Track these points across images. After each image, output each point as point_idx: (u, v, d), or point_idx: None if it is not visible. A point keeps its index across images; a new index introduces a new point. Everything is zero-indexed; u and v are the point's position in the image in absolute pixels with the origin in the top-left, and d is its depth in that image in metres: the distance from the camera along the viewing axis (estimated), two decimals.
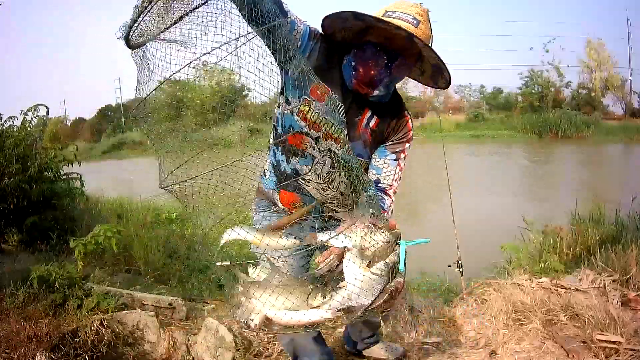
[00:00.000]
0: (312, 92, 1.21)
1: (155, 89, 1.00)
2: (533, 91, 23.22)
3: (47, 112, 3.82)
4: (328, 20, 1.24)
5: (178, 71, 0.96)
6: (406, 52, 1.22)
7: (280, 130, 1.34)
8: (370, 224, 1.04)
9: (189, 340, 2.00)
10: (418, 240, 1.11)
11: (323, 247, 1.11)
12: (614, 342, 1.70)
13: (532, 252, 3.11)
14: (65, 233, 3.47)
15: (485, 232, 4.80)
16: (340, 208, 1.29)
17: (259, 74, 0.95)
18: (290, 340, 1.61)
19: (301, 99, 1.25)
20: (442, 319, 2.24)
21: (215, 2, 0.96)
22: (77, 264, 2.28)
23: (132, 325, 2.00)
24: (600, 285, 2.21)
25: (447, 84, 1.29)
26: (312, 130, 1.26)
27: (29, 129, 3.68)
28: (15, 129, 3.65)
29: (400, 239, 1.07)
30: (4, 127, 3.64)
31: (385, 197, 1.34)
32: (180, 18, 0.98)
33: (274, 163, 1.38)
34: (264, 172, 1.44)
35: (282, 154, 1.34)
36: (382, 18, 1.18)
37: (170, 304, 2.43)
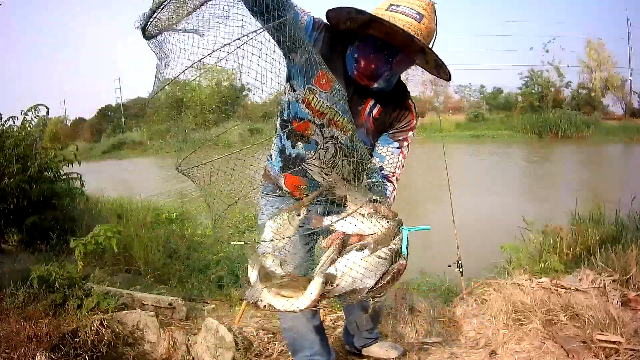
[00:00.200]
0: (317, 81, 1.25)
1: (172, 81, 1.04)
2: (533, 91, 23.20)
3: (47, 112, 3.83)
4: (332, 12, 1.27)
5: (189, 67, 0.99)
6: (407, 48, 1.23)
7: (286, 116, 1.37)
8: (373, 211, 1.08)
9: (189, 340, 2.00)
10: (420, 227, 1.15)
11: (328, 231, 1.14)
12: (614, 342, 1.70)
13: (532, 252, 3.11)
14: (65, 233, 3.47)
15: (485, 232, 4.80)
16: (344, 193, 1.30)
17: (269, 68, 0.98)
18: (291, 327, 1.64)
19: (306, 88, 1.28)
20: (442, 319, 2.24)
21: None
22: (77, 264, 2.28)
23: (132, 325, 2.00)
24: (600, 285, 2.21)
25: (449, 77, 1.31)
26: (316, 118, 1.30)
27: (29, 129, 3.69)
28: (15, 129, 3.65)
29: (402, 224, 1.13)
30: (4, 127, 3.64)
31: (388, 184, 1.37)
32: (194, 10, 1.00)
33: (280, 147, 1.42)
34: (271, 155, 1.48)
35: (287, 139, 1.38)
36: (380, 17, 1.18)
37: (170, 304, 2.43)
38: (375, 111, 1.36)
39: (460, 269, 2.69)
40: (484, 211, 6.36)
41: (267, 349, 2.02)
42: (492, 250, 3.61)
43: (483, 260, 3.59)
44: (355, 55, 1.28)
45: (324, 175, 1.32)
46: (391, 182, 1.39)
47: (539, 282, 2.34)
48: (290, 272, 1.13)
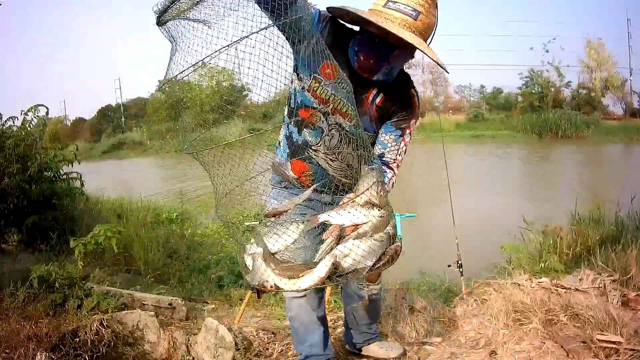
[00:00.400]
0: (322, 70, 1.30)
1: (182, 72, 1.07)
2: (533, 91, 23.19)
3: (47, 112, 3.83)
4: (331, 9, 1.34)
5: (192, 66, 1.04)
6: (403, 44, 1.24)
7: (292, 105, 1.42)
8: (366, 202, 1.15)
9: (189, 340, 2.00)
10: (407, 215, 1.23)
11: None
12: (614, 342, 1.70)
13: (532, 252, 3.11)
14: (65, 233, 3.48)
15: (485, 232, 4.81)
16: (348, 180, 1.38)
17: (276, 62, 1.04)
18: (295, 315, 1.69)
19: (311, 77, 1.33)
20: (442, 319, 2.24)
21: None
22: (77, 264, 2.28)
23: (132, 325, 2.00)
24: (600, 285, 2.21)
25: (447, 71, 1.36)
26: (321, 105, 1.34)
27: (29, 129, 3.69)
28: (15, 129, 3.66)
29: (393, 212, 1.19)
30: (4, 127, 3.64)
31: (388, 171, 1.41)
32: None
33: (287, 134, 1.47)
34: (279, 143, 1.53)
35: (294, 126, 1.43)
36: (371, 19, 1.21)
37: (170, 304, 2.43)
38: (378, 99, 1.40)
39: (460, 269, 2.69)
40: (484, 211, 6.37)
41: (267, 349, 2.02)
42: (492, 250, 3.61)
43: (483, 260, 3.60)
44: (355, 49, 1.33)
45: (329, 161, 1.40)
46: (391, 168, 1.43)
47: (539, 282, 2.34)
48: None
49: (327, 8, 1.34)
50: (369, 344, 1.95)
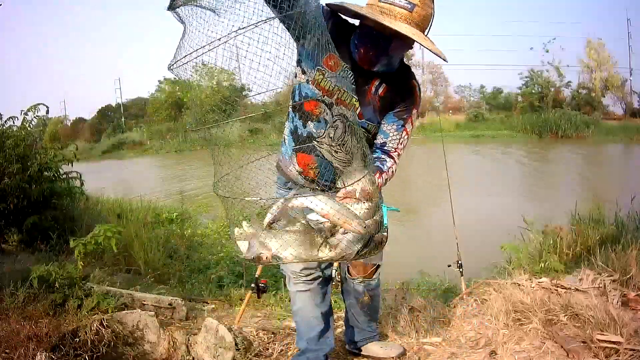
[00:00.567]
0: (326, 62, 1.35)
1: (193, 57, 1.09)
2: (533, 91, 23.17)
3: (47, 111, 3.83)
4: (331, 5, 1.37)
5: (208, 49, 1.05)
6: (400, 36, 1.28)
7: (297, 98, 1.46)
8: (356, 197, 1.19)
9: (189, 340, 2.00)
10: (391, 207, 1.26)
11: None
12: (614, 342, 1.70)
13: (532, 252, 3.12)
14: (65, 233, 3.47)
15: (485, 232, 4.81)
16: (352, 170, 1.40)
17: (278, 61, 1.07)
18: (299, 309, 1.72)
19: (315, 69, 1.37)
20: (442, 319, 2.24)
21: None
22: (77, 264, 2.27)
23: (132, 325, 2.00)
24: (600, 285, 2.21)
25: (445, 58, 1.38)
26: (325, 97, 1.38)
27: (29, 129, 3.69)
28: (15, 129, 3.66)
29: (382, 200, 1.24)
30: (4, 127, 3.64)
31: (388, 159, 1.46)
32: None
33: (292, 128, 1.50)
34: (284, 140, 1.58)
35: (299, 119, 1.46)
36: (367, 14, 1.25)
37: (170, 304, 2.43)
38: (381, 90, 1.44)
39: (460, 269, 2.69)
40: (484, 211, 6.37)
41: (267, 349, 2.02)
42: (492, 250, 3.61)
43: (483, 260, 3.60)
44: (356, 43, 1.38)
45: (333, 152, 1.43)
46: (392, 157, 1.47)
47: (539, 282, 2.34)
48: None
49: (327, 4, 1.37)
50: (369, 342, 1.96)
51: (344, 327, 2.08)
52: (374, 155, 1.46)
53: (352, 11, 1.33)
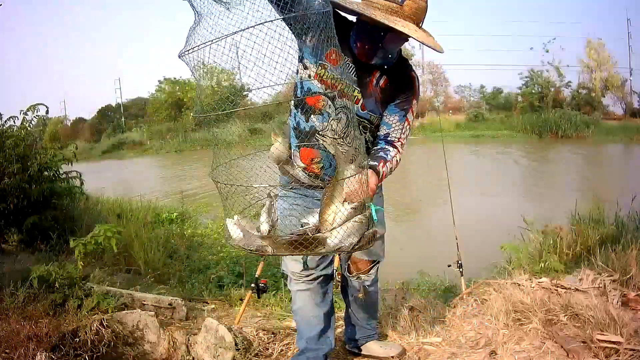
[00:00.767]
0: (328, 56, 1.38)
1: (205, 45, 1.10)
2: (533, 91, 23.16)
3: (47, 111, 3.83)
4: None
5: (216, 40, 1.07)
6: (393, 28, 1.31)
7: (299, 93, 1.49)
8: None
9: (189, 340, 2.00)
10: (377, 207, 1.28)
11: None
12: (614, 342, 1.70)
13: (532, 252, 3.12)
14: (65, 233, 3.48)
15: (485, 232, 4.81)
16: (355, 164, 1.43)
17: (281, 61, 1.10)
18: (299, 308, 1.73)
19: (317, 64, 1.40)
20: (442, 319, 2.24)
21: None
22: (77, 264, 2.27)
23: (132, 325, 2.00)
24: (600, 285, 2.21)
25: (441, 50, 1.41)
26: (328, 90, 1.41)
27: (29, 128, 3.69)
28: (15, 129, 3.65)
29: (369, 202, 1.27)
30: (4, 127, 3.64)
31: (391, 149, 1.50)
32: None
33: (295, 124, 1.52)
34: None
35: (301, 114, 1.48)
36: (358, 10, 1.30)
37: (170, 304, 2.43)
38: (381, 82, 1.48)
39: (460, 269, 2.69)
40: (484, 211, 6.37)
41: (267, 349, 2.02)
42: (492, 250, 3.61)
43: (483, 260, 3.60)
44: (354, 37, 1.43)
45: (337, 145, 1.43)
46: (396, 147, 1.50)
47: (539, 282, 2.34)
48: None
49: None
50: (368, 340, 1.96)
51: (344, 327, 2.08)
52: (378, 147, 1.51)
53: (347, 8, 1.36)
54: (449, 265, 2.77)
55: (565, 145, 16.76)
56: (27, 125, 3.68)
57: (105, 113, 28.41)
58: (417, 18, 1.34)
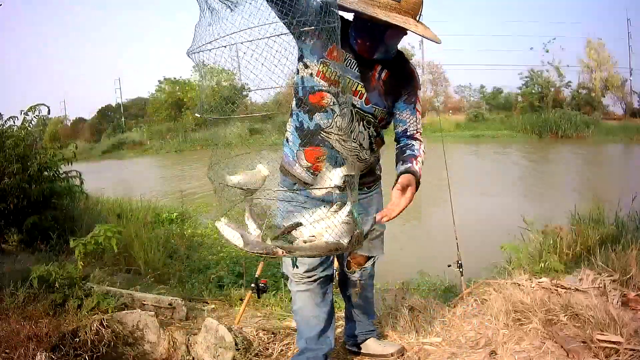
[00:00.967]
0: (329, 54, 1.40)
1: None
2: (533, 91, 23.16)
3: (49, 112, 3.83)
4: None
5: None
6: (394, 25, 1.34)
7: (301, 94, 1.50)
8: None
9: (189, 340, 2.00)
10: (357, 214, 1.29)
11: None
12: (614, 342, 1.70)
13: (532, 252, 3.12)
14: (65, 233, 3.47)
15: (485, 232, 4.81)
16: (360, 161, 1.54)
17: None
18: (299, 308, 1.73)
19: (319, 62, 1.43)
20: (442, 319, 2.24)
21: None
22: (77, 264, 2.27)
23: (132, 325, 2.00)
24: (600, 285, 2.21)
25: (439, 41, 1.45)
26: (331, 87, 1.42)
27: (29, 128, 3.69)
28: (15, 129, 3.65)
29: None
30: (4, 127, 3.64)
31: (415, 143, 1.55)
32: None
33: (297, 125, 1.53)
34: (286, 140, 1.60)
35: (304, 113, 1.49)
36: (359, 10, 1.32)
37: (170, 304, 2.43)
38: (383, 75, 1.51)
39: (460, 269, 2.69)
40: (484, 211, 6.37)
41: (267, 349, 2.02)
42: (492, 250, 3.61)
43: (483, 260, 3.60)
44: (353, 34, 1.45)
45: (342, 142, 1.47)
46: (417, 139, 1.56)
47: (539, 282, 2.34)
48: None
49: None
50: (367, 337, 1.97)
51: (343, 326, 2.08)
52: (401, 144, 1.56)
53: (346, 7, 1.38)
54: (449, 265, 2.77)
55: (565, 145, 16.76)
56: (27, 125, 3.68)
57: (105, 113, 28.39)
58: (415, 12, 1.38)
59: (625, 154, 15.47)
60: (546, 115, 20.05)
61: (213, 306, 2.86)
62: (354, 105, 1.48)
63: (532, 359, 1.72)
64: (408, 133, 1.57)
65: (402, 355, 1.94)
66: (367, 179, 1.68)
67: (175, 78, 24.64)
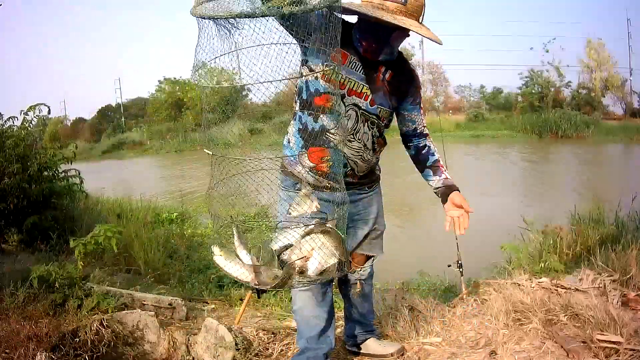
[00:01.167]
0: (333, 57, 1.40)
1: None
2: (533, 91, 23.13)
3: (49, 112, 3.82)
4: None
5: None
6: (401, 27, 1.39)
7: (305, 96, 1.52)
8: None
9: (189, 340, 2.00)
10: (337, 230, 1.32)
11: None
12: (614, 342, 1.70)
13: (532, 252, 3.12)
14: (65, 233, 3.47)
15: (485, 232, 4.80)
16: (364, 163, 1.60)
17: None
18: (299, 308, 1.73)
19: (324, 65, 1.43)
20: (442, 319, 2.24)
21: None
22: (77, 264, 2.27)
23: (132, 325, 2.00)
24: (600, 285, 2.21)
25: (440, 42, 1.48)
26: (336, 89, 1.44)
27: (29, 128, 3.68)
28: (15, 129, 3.65)
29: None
30: (4, 127, 3.64)
31: (427, 141, 1.70)
32: None
33: (301, 127, 1.54)
34: (288, 141, 1.61)
35: (308, 115, 1.51)
36: (368, 13, 1.36)
37: (170, 304, 2.43)
38: (387, 75, 1.57)
39: (460, 269, 2.69)
40: (484, 211, 6.34)
41: (267, 349, 2.02)
42: (492, 250, 3.61)
43: (483, 260, 3.60)
44: (358, 36, 1.50)
45: (347, 142, 1.51)
46: (427, 134, 1.70)
47: (539, 282, 2.34)
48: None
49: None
50: (367, 337, 1.97)
51: (343, 326, 2.08)
52: (413, 143, 1.69)
53: (352, 10, 1.41)
54: (449, 265, 2.77)
55: (565, 145, 16.75)
56: (27, 125, 3.68)
57: (105, 113, 28.38)
58: (419, 14, 1.43)
59: (625, 154, 15.47)
60: (546, 115, 20.03)
61: (213, 306, 2.85)
62: (358, 107, 1.53)
63: (532, 359, 1.72)
64: (418, 131, 1.68)
65: (402, 355, 1.94)
66: (368, 179, 1.69)
67: (175, 78, 24.65)
